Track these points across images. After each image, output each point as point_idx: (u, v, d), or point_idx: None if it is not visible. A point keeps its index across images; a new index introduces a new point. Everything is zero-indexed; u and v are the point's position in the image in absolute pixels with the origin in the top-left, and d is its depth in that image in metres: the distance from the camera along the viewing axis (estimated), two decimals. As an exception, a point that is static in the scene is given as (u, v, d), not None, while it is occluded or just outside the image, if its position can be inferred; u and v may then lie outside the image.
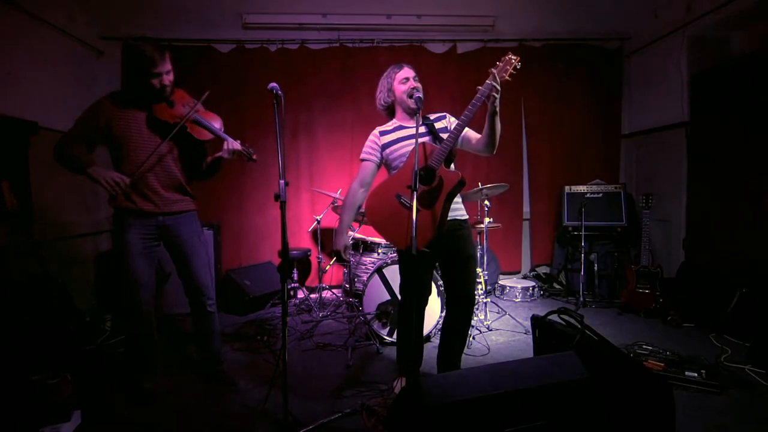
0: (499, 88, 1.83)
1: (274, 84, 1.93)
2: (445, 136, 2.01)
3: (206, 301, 2.31)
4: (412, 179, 1.73)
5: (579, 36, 4.31)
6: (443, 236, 1.93)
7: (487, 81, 1.84)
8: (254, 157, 2.22)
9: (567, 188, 4.18)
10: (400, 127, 2.16)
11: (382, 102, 2.21)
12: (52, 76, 3.37)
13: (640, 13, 4.03)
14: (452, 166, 2.07)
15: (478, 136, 2.06)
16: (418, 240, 1.91)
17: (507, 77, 1.86)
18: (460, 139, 2.06)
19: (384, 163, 2.21)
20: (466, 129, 2.06)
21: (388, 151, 2.16)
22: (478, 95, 1.86)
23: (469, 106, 1.89)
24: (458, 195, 2.09)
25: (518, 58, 1.87)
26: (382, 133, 2.19)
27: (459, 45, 4.30)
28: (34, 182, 3.06)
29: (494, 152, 2.06)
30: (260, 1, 3.95)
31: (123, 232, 2.13)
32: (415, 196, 1.70)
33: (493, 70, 1.85)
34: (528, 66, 4.31)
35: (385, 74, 2.19)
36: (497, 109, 1.88)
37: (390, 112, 2.23)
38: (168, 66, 2.08)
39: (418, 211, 1.77)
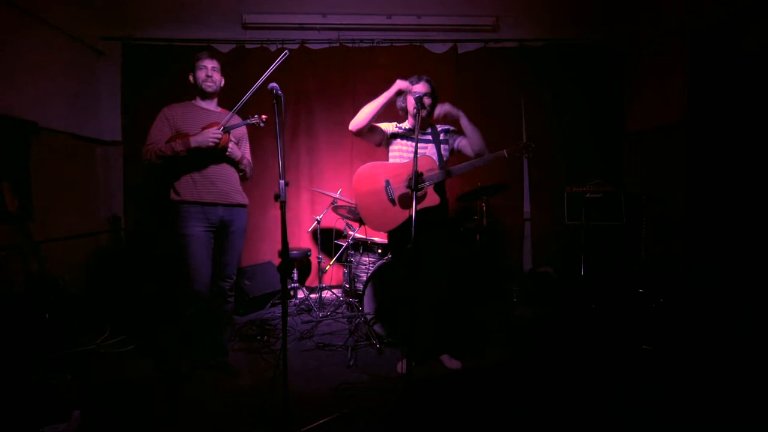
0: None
1: (274, 84, 1.95)
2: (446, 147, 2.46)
3: (230, 293, 2.46)
4: (408, 176, 2.05)
5: (580, 36, 4.31)
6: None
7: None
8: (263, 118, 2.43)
9: (567, 188, 4.18)
10: (411, 131, 2.47)
11: (398, 104, 2.51)
12: (52, 76, 3.37)
13: (641, 13, 4.02)
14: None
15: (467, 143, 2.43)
16: (381, 224, 2.35)
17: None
18: (455, 145, 2.48)
19: (386, 143, 2.54)
20: (459, 138, 2.47)
21: (393, 141, 2.50)
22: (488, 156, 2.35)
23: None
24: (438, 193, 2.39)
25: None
26: (397, 128, 2.54)
27: (459, 45, 4.29)
28: (34, 182, 3.06)
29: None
30: (260, 1, 3.95)
31: (186, 225, 2.24)
32: (415, 196, 1.86)
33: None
34: (529, 66, 4.36)
35: (407, 81, 2.41)
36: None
37: (405, 113, 2.52)
38: (215, 63, 2.38)
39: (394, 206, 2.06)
